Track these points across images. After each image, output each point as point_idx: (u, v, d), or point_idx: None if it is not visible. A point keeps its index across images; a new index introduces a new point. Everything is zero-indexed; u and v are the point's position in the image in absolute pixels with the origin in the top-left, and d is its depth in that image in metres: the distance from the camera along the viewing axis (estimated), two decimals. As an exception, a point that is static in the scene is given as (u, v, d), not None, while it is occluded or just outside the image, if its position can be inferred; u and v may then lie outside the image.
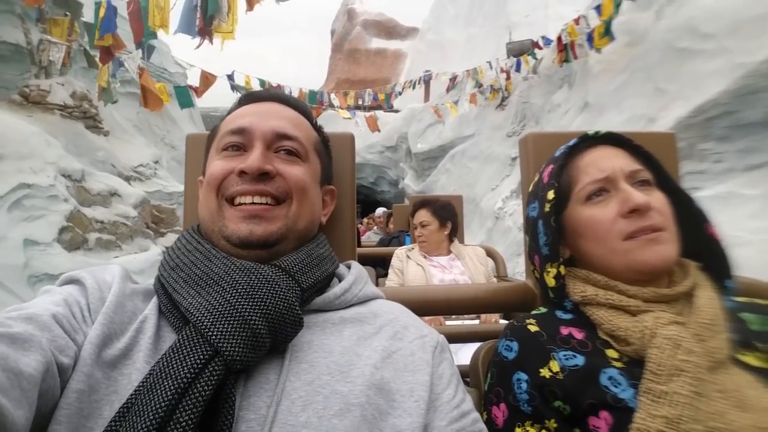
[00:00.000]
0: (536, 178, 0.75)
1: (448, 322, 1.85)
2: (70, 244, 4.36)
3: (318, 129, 0.72)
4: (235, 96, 6.54)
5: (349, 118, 7.23)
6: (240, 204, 0.58)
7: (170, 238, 5.48)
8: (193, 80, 6.17)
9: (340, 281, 0.63)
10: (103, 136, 7.17)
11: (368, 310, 0.59)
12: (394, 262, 2.19)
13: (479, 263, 2.12)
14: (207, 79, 5.85)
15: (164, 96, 5.40)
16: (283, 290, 0.51)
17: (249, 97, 0.70)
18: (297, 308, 0.51)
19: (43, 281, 3.25)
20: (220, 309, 0.48)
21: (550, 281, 0.67)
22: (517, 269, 4.95)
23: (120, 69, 5.99)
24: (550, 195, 0.67)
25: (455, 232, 2.23)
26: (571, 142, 0.69)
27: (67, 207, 4.42)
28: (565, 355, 0.58)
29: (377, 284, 2.45)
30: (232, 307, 0.48)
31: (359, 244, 3.39)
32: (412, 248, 2.22)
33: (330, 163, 0.74)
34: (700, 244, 0.66)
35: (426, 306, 0.79)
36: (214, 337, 0.45)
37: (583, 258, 0.68)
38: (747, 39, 3.27)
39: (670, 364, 0.51)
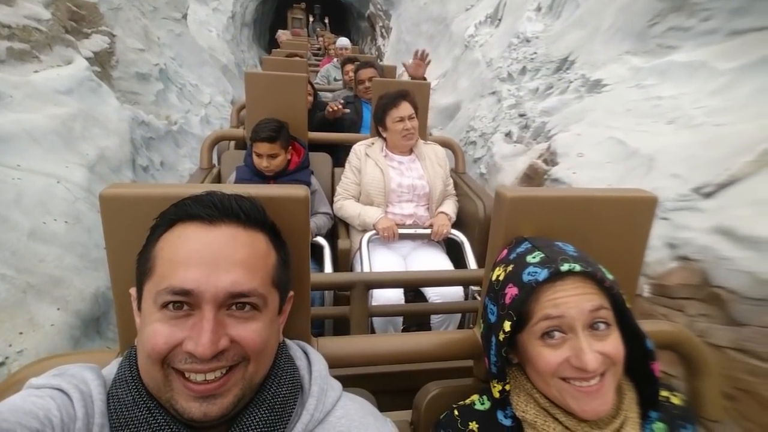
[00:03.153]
0: (501, 276, 0.70)
1: (401, 230, 1.92)
2: (-25, 56, 3.65)
3: (278, 244, 0.61)
4: None
5: None
6: (189, 378, 0.51)
7: (96, 41, 4.71)
8: None
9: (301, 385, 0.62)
10: None
11: None
12: (351, 158, 2.11)
13: (438, 165, 2.10)
14: None
15: None
16: None
17: (188, 214, 0.55)
18: None
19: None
20: None
21: (495, 393, 0.70)
22: (478, 112, 4.87)
23: None
24: (507, 326, 0.65)
25: None
26: (541, 277, 0.63)
27: (-43, 8, 3.59)
28: None
29: (332, 174, 2.30)
30: None
31: (315, 93, 3.07)
32: (372, 144, 2.13)
33: (289, 274, 0.64)
34: (641, 371, 0.69)
35: (375, 357, 0.84)
36: None
37: (529, 374, 0.70)
38: None
39: None
